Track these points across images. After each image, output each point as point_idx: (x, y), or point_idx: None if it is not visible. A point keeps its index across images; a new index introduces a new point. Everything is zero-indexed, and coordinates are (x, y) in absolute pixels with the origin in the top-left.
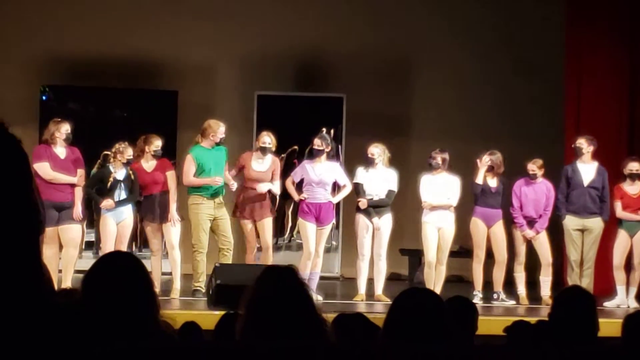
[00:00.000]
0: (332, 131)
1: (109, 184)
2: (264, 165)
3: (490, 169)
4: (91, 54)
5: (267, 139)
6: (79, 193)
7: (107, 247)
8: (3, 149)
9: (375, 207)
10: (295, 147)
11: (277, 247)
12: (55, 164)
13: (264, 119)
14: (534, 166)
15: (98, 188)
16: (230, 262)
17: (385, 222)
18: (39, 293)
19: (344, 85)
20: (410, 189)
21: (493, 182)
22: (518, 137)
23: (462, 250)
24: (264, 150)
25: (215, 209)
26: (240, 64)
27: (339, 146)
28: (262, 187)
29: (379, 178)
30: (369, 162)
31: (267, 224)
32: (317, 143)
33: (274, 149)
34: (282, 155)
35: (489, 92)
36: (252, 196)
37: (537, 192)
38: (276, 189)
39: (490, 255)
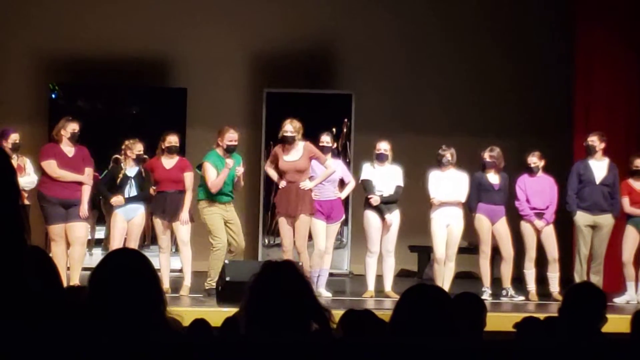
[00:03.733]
0: (345, 121)
1: (118, 181)
2: (294, 154)
3: (492, 166)
4: (100, 51)
5: (289, 127)
6: (86, 191)
7: (116, 244)
8: None
9: (385, 204)
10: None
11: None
12: (62, 162)
13: (272, 117)
14: (534, 158)
15: (109, 185)
16: None
17: (394, 218)
18: (21, 311)
19: (353, 83)
20: (420, 185)
21: (495, 179)
22: (527, 132)
23: (471, 246)
24: (286, 139)
25: (227, 212)
26: (249, 62)
27: (348, 143)
28: (306, 185)
29: (387, 174)
30: (380, 158)
31: (301, 223)
32: (326, 140)
33: (299, 135)
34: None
35: (497, 86)
36: (287, 190)
37: (541, 184)
38: (328, 171)
39: (497, 252)
